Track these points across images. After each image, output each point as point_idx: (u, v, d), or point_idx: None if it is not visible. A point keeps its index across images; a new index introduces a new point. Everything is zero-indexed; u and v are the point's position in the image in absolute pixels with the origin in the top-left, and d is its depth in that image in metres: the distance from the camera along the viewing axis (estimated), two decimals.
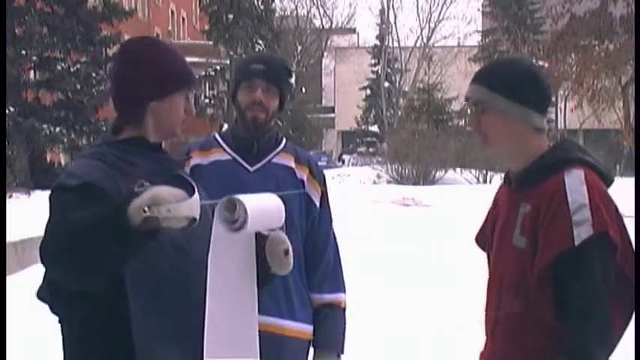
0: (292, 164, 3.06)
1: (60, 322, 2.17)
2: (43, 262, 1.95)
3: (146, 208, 1.78)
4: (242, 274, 2.09)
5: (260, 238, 2.13)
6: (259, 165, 3.03)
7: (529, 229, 2.28)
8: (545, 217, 2.24)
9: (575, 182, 2.25)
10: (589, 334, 2.19)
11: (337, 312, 3.11)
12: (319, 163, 3.29)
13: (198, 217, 1.84)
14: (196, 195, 1.83)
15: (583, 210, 2.20)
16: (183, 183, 1.86)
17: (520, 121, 2.34)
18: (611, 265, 2.23)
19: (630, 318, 2.35)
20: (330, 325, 3.08)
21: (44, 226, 1.99)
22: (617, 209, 2.30)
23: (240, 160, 3.03)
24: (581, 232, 2.18)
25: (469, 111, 2.44)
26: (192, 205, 1.81)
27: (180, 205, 1.80)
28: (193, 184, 1.86)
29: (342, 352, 3.13)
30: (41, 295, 2.15)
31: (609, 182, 2.36)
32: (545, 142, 2.40)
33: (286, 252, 2.15)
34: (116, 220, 1.80)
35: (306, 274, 3.08)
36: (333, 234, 3.16)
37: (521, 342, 2.31)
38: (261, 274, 2.12)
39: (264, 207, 2.05)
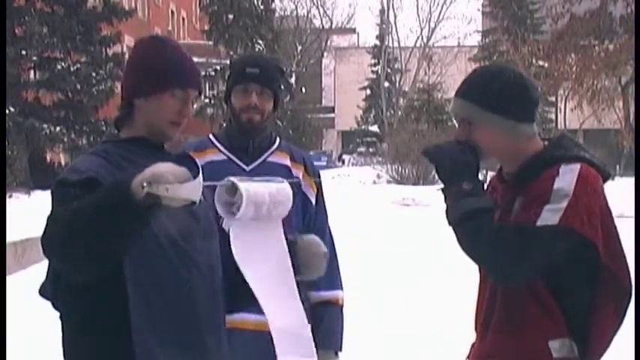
0: (288, 162, 3.08)
1: (60, 317, 2.17)
2: (45, 253, 1.96)
3: (145, 184, 1.78)
4: (275, 264, 2.11)
5: (290, 245, 2.16)
6: (255, 164, 3.03)
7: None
8: (528, 196, 2.29)
9: (567, 173, 2.29)
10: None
11: (335, 309, 3.12)
12: (319, 163, 3.31)
13: (197, 200, 1.83)
14: (199, 178, 1.82)
15: (563, 200, 2.24)
16: (190, 164, 1.85)
17: (511, 134, 2.37)
18: (565, 254, 2.26)
19: (623, 316, 2.37)
20: (327, 323, 3.09)
21: (45, 222, 1.99)
22: (603, 208, 2.32)
23: (235, 159, 3.04)
24: (547, 217, 2.23)
25: (457, 125, 2.44)
26: (191, 188, 1.80)
27: (179, 187, 1.79)
28: (199, 166, 1.85)
29: (340, 350, 3.13)
30: (43, 291, 2.15)
31: (607, 176, 2.39)
32: (538, 142, 2.43)
33: (325, 255, 2.23)
34: (120, 195, 1.81)
35: None
36: (329, 231, 3.17)
37: (517, 330, 2.33)
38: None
39: (264, 192, 2.04)
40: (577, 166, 2.29)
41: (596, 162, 2.37)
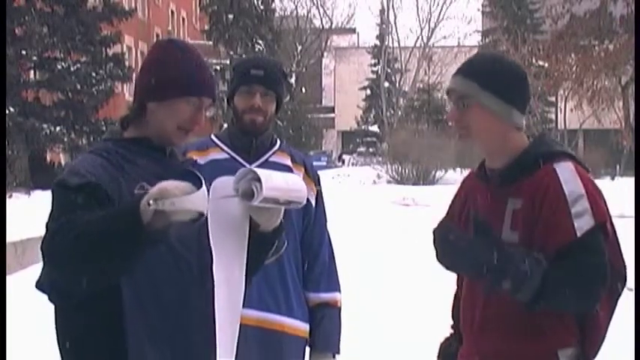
0: (289, 163, 3.10)
1: (55, 308, 2.17)
2: (46, 263, 1.96)
3: (151, 201, 1.79)
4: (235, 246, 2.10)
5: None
6: (258, 163, 3.04)
7: (523, 223, 2.31)
8: (542, 209, 2.28)
9: (567, 174, 2.31)
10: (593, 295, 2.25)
11: (333, 311, 3.13)
12: (319, 163, 3.32)
13: (204, 210, 1.85)
14: (203, 189, 1.84)
15: (581, 200, 2.26)
16: (192, 177, 1.88)
17: (504, 118, 2.39)
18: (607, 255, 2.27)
19: (616, 302, 2.39)
20: (326, 325, 3.10)
21: (45, 223, 1.99)
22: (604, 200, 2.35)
23: (238, 158, 3.05)
24: (583, 224, 2.23)
25: (450, 103, 2.45)
26: (196, 199, 1.83)
27: (184, 199, 1.81)
28: (202, 178, 1.87)
29: (338, 352, 3.14)
30: (39, 285, 2.15)
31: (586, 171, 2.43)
32: (524, 139, 2.45)
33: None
34: (129, 219, 1.82)
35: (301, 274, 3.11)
36: (328, 233, 3.18)
37: (522, 338, 2.32)
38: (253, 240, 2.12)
39: (282, 183, 2.05)
40: (569, 164, 2.33)
41: (576, 157, 2.41)
